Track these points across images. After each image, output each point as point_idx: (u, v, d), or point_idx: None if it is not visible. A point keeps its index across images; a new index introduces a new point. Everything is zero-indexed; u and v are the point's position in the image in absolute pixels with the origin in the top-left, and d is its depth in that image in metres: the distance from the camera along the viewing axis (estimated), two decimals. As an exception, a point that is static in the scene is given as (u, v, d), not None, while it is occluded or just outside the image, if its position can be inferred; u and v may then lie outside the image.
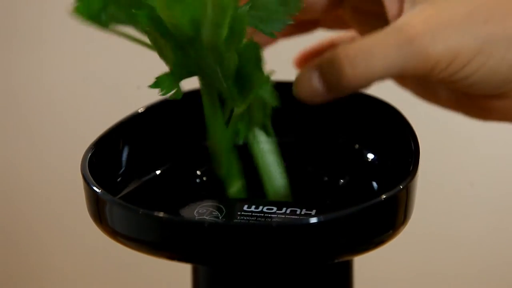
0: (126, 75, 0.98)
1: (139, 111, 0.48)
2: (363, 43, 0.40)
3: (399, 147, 0.44)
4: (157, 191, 0.45)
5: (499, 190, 1.00)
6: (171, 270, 0.89)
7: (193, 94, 0.50)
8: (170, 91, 0.40)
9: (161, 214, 0.36)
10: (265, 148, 0.44)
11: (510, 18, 0.40)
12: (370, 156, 0.46)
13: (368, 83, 0.41)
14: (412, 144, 0.43)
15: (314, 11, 0.48)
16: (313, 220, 0.36)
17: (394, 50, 0.40)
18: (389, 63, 0.40)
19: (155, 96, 0.49)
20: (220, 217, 0.41)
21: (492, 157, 0.99)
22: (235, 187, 0.44)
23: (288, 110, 0.48)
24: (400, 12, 0.43)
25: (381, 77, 0.40)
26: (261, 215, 0.41)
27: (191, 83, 0.53)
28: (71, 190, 0.93)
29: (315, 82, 0.41)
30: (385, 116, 0.47)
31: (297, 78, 0.42)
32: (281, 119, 0.48)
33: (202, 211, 0.42)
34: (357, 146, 0.46)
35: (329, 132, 0.48)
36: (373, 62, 0.40)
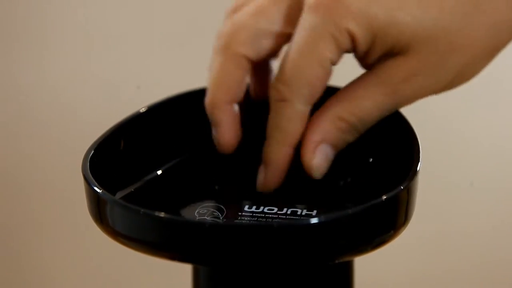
0: (126, 75, 0.98)
1: (140, 111, 0.48)
2: (357, 106, 0.44)
3: (400, 147, 0.44)
4: (157, 191, 0.45)
5: (499, 189, 1.00)
6: (171, 271, 0.89)
7: (194, 95, 0.50)
8: None
9: (162, 214, 0.36)
10: None
11: None
12: (371, 156, 0.46)
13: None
14: (413, 145, 0.43)
15: None
16: (314, 220, 0.36)
17: (384, 105, 0.44)
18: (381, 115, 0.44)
19: (155, 96, 0.49)
20: (221, 218, 0.41)
21: (492, 157, 0.99)
22: None
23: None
24: None
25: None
26: (262, 216, 0.41)
27: (190, 83, 0.53)
28: (72, 190, 0.93)
29: (331, 154, 0.45)
30: (386, 116, 0.47)
31: (313, 161, 0.44)
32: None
33: (203, 211, 0.42)
34: (357, 147, 0.46)
35: None
36: (371, 119, 0.44)
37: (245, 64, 0.45)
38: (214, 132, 0.46)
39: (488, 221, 1.01)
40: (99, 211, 0.39)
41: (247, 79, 0.47)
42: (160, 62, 0.95)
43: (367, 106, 0.44)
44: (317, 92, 0.43)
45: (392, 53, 0.43)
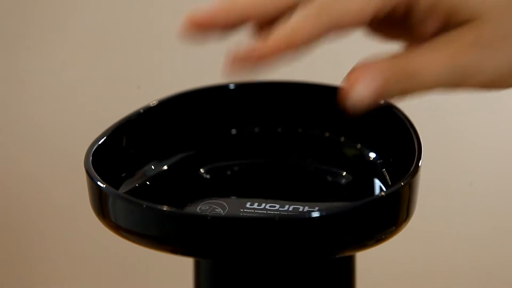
0: (126, 75, 0.98)
1: (142, 109, 0.48)
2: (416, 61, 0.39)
3: (401, 145, 0.44)
4: (159, 188, 0.45)
5: (499, 189, 1.00)
6: (173, 265, 0.89)
7: (197, 93, 0.51)
8: None
9: (164, 208, 0.36)
10: None
11: None
12: (373, 154, 0.46)
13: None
14: (414, 142, 0.43)
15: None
16: (315, 214, 0.36)
17: (444, 73, 0.39)
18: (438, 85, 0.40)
19: (155, 96, 0.50)
20: (223, 214, 0.41)
21: (492, 157, 0.99)
22: None
23: (289, 110, 0.48)
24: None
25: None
26: (263, 212, 0.41)
27: (191, 83, 0.53)
28: (72, 190, 0.93)
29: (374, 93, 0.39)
30: (387, 115, 0.47)
31: (356, 87, 0.39)
32: (282, 119, 0.48)
33: (205, 208, 0.42)
34: (359, 145, 0.46)
35: (332, 131, 0.48)
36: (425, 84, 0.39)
37: None
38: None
39: (487, 221, 1.01)
40: (102, 206, 0.39)
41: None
42: (160, 62, 0.95)
43: (428, 66, 0.39)
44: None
45: (455, 22, 0.39)
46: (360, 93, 0.38)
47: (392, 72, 0.39)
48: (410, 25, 0.41)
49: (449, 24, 0.40)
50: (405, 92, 0.39)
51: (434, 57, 0.39)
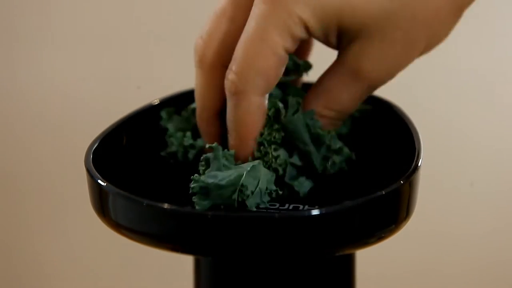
0: (126, 75, 0.98)
1: (143, 107, 0.48)
2: (323, 94, 0.44)
3: (401, 144, 0.44)
4: (160, 186, 0.45)
5: (499, 189, 1.00)
6: (173, 264, 0.89)
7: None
8: None
9: (165, 205, 0.36)
10: None
11: None
12: (373, 153, 0.46)
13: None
14: (414, 141, 0.43)
15: None
16: (315, 212, 0.36)
17: (356, 91, 0.44)
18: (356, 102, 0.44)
19: (155, 96, 0.50)
20: (223, 212, 0.41)
21: (492, 157, 0.99)
22: None
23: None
24: None
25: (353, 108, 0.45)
26: (263, 210, 0.41)
27: (191, 83, 0.53)
28: (72, 190, 0.93)
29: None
30: (387, 114, 0.47)
31: None
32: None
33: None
34: (359, 144, 0.46)
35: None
36: (342, 106, 0.44)
37: (221, 71, 0.44)
38: (204, 143, 0.46)
39: (488, 221, 1.01)
40: (102, 204, 0.39)
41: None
42: (160, 62, 0.95)
43: (344, 98, 0.43)
44: (272, 81, 0.42)
45: (353, 36, 0.42)
46: None
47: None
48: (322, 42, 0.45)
49: (349, 38, 0.43)
50: (340, 118, 0.44)
51: (350, 82, 0.43)
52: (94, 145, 0.43)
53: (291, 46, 0.42)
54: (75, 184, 0.76)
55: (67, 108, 0.99)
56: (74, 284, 1.05)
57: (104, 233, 0.47)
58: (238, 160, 0.43)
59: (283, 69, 0.43)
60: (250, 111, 0.42)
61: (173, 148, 0.47)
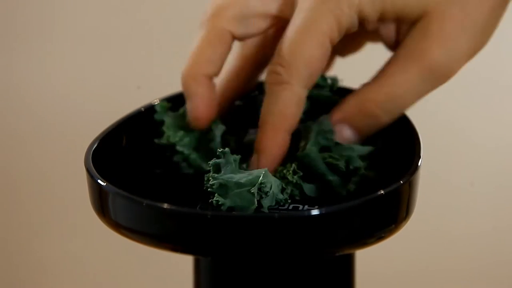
0: (126, 75, 0.98)
1: (143, 107, 0.48)
2: (389, 86, 0.42)
3: (401, 143, 0.44)
4: (160, 186, 0.45)
5: (499, 190, 1.00)
6: (173, 264, 0.89)
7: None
8: None
9: (165, 205, 0.36)
10: None
11: None
12: (373, 153, 0.46)
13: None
14: (414, 141, 0.43)
15: None
16: (315, 212, 0.36)
17: (420, 84, 0.42)
18: (419, 96, 0.43)
19: (155, 96, 0.50)
20: (223, 212, 0.41)
21: (493, 157, 0.99)
22: None
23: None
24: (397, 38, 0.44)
25: (412, 105, 0.43)
26: (264, 211, 0.41)
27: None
28: (72, 190, 0.93)
29: (348, 134, 0.44)
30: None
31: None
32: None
33: (204, 205, 0.42)
34: (358, 143, 0.46)
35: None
36: (406, 102, 0.43)
37: (228, 39, 0.44)
38: (188, 105, 0.44)
39: (488, 221, 1.01)
40: (102, 204, 0.39)
41: (228, 56, 0.45)
42: (160, 62, 0.95)
43: (400, 87, 0.42)
44: (316, 73, 0.42)
45: (412, 19, 0.41)
46: (351, 139, 0.44)
47: (373, 105, 0.43)
48: (370, 35, 0.44)
49: (403, 24, 0.42)
50: (393, 115, 0.43)
51: (405, 75, 0.42)
52: (94, 145, 0.43)
53: (337, 36, 0.41)
54: (75, 184, 0.76)
55: (67, 108, 0.99)
56: (73, 284, 1.05)
57: (104, 233, 0.47)
58: (263, 153, 0.42)
59: (325, 63, 0.42)
60: (292, 103, 0.42)
61: (164, 140, 0.46)
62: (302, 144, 0.44)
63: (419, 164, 0.41)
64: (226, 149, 0.41)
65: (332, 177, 0.43)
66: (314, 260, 0.42)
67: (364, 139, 0.45)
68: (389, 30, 0.43)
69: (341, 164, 0.43)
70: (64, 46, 0.98)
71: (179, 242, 0.37)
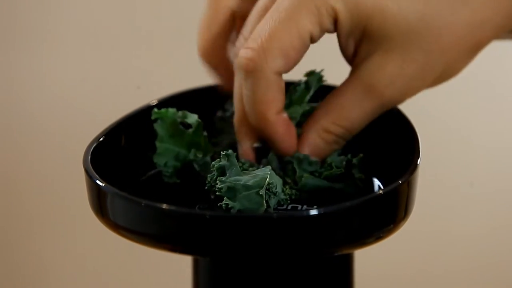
0: (126, 75, 0.98)
1: (142, 108, 0.48)
2: (333, 111, 0.44)
3: (400, 143, 0.44)
4: (158, 187, 0.45)
5: (499, 189, 1.00)
6: (172, 264, 0.89)
7: (197, 92, 0.51)
8: None
9: (163, 206, 0.36)
10: None
11: None
12: (372, 153, 0.46)
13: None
14: (413, 140, 0.43)
15: None
16: (313, 212, 0.36)
17: (361, 106, 0.43)
18: (364, 117, 0.44)
19: (155, 96, 0.50)
20: (222, 212, 0.41)
21: (492, 157, 0.99)
22: None
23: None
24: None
25: (363, 125, 0.45)
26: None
27: (190, 83, 0.53)
28: (72, 190, 0.93)
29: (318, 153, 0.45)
30: (386, 114, 0.47)
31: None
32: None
33: (203, 206, 0.42)
34: (358, 144, 0.46)
35: None
36: (352, 124, 0.44)
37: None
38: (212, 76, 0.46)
39: (488, 221, 1.01)
40: (100, 204, 0.39)
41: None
42: (160, 62, 0.95)
43: (354, 115, 0.43)
44: (291, 64, 0.42)
45: (374, 45, 0.42)
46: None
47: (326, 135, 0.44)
48: (339, 43, 0.44)
49: (369, 46, 0.43)
50: (346, 137, 0.44)
51: (363, 99, 0.43)
52: (92, 145, 0.43)
53: (316, 35, 0.42)
54: (74, 184, 0.76)
55: (66, 108, 0.99)
56: (73, 284, 1.05)
57: (103, 234, 0.47)
58: (280, 143, 0.43)
59: (301, 57, 0.42)
60: (270, 88, 0.42)
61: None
62: (290, 173, 0.45)
63: (418, 163, 0.41)
64: (230, 151, 0.41)
65: (339, 185, 0.43)
66: (313, 260, 0.42)
67: (363, 140, 0.46)
68: (351, 46, 0.44)
69: (337, 169, 0.43)
70: (63, 46, 0.98)
71: (178, 243, 0.37)
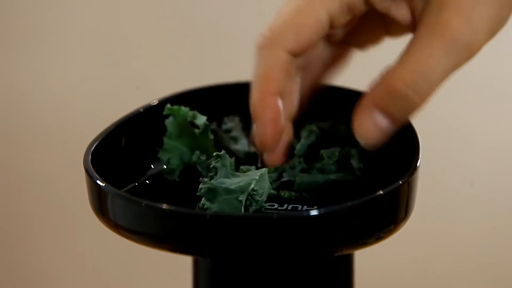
0: (126, 75, 0.98)
1: (142, 108, 0.48)
2: (415, 63, 0.40)
3: (400, 144, 0.44)
4: (159, 187, 0.45)
5: (499, 189, 1.00)
6: (172, 264, 0.89)
7: (197, 92, 0.51)
8: None
9: (164, 206, 0.36)
10: None
11: None
12: (371, 153, 0.46)
13: (433, 95, 0.41)
14: (413, 141, 0.43)
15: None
16: (314, 212, 0.36)
17: (446, 58, 0.40)
18: (447, 70, 0.40)
19: (155, 96, 0.50)
20: (222, 212, 0.41)
21: (492, 157, 0.99)
22: None
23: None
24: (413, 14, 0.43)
25: (442, 84, 0.41)
26: (262, 211, 0.41)
27: (190, 83, 0.53)
28: (72, 189, 0.93)
29: (381, 121, 0.41)
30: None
31: (360, 126, 0.41)
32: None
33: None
34: (358, 144, 0.46)
35: (330, 130, 0.48)
36: (434, 78, 0.40)
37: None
38: (254, 128, 0.43)
39: (488, 222, 1.01)
40: (101, 204, 0.39)
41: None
42: (160, 62, 0.95)
43: (425, 64, 0.40)
44: (305, 42, 0.41)
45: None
46: (368, 133, 0.41)
47: (402, 87, 0.40)
48: (385, 20, 0.43)
49: (415, 1, 0.41)
50: (424, 95, 0.40)
51: (428, 50, 0.40)
52: (93, 146, 0.43)
53: (337, 13, 0.40)
54: (74, 184, 0.76)
55: (66, 108, 0.99)
56: (73, 284, 1.05)
57: (103, 234, 0.47)
58: (258, 119, 0.42)
59: (318, 37, 0.41)
60: (275, 67, 0.41)
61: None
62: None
63: (418, 164, 0.41)
64: (222, 151, 0.41)
65: (336, 175, 0.43)
66: (313, 261, 0.42)
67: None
68: (402, 9, 0.42)
69: (328, 159, 0.43)
70: (63, 46, 0.98)
71: (178, 243, 0.37)
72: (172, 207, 0.36)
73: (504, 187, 1.00)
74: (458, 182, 1.00)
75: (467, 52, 0.40)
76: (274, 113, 0.42)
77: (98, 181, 0.39)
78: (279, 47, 0.41)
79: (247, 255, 0.37)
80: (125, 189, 0.44)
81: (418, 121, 0.45)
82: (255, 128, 0.43)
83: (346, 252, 0.42)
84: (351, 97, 0.44)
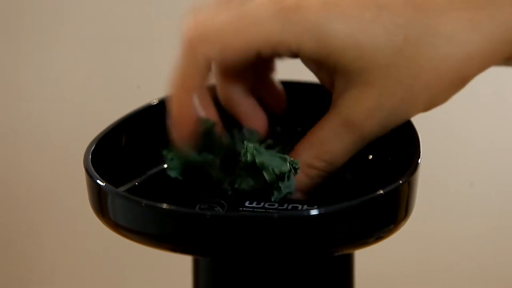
0: (126, 75, 0.98)
1: (142, 107, 0.48)
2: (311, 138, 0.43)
3: (400, 143, 0.44)
4: (159, 187, 0.45)
5: (499, 190, 1.00)
6: (172, 264, 0.89)
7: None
8: None
9: (164, 205, 0.36)
10: None
11: None
12: (371, 153, 0.46)
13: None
14: (413, 140, 0.43)
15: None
16: (314, 212, 0.36)
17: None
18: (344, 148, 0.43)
19: (155, 96, 0.50)
20: (222, 212, 0.41)
21: (492, 157, 0.99)
22: None
23: (289, 110, 0.49)
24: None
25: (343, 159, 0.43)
26: (262, 211, 0.41)
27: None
28: (72, 189, 0.93)
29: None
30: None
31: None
32: (282, 118, 0.48)
33: (204, 206, 0.42)
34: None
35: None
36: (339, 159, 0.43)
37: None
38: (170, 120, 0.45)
39: (487, 222, 1.01)
40: (101, 204, 0.39)
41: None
42: (160, 62, 0.95)
43: (335, 149, 0.42)
44: (230, 52, 0.41)
45: (351, 80, 0.41)
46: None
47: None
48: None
49: (345, 79, 0.41)
50: (328, 174, 0.43)
51: (343, 133, 0.42)
52: (93, 145, 0.43)
53: (265, 53, 0.40)
54: (74, 184, 0.76)
55: (66, 107, 0.99)
56: (73, 284, 1.05)
57: (103, 234, 0.47)
58: (171, 114, 0.43)
59: (243, 61, 0.41)
60: (193, 70, 0.42)
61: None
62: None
63: (418, 164, 0.41)
64: (245, 142, 0.42)
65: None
66: (314, 260, 0.42)
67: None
68: (326, 78, 0.43)
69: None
70: (64, 46, 0.98)
71: (178, 242, 0.37)
72: (172, 207, 0.36)
73: (504, 187, 1.00)
74: (458, 182, 1.00)
75: (363, 139, 0.42)
76: (188, 110, 0.44)
77: (98, 181, 0.39)
78: (201, 52, 0.42)
79: (247, 255, 0.37)
80: (125, 188, 0.44)
81: (419, 121, 0.45)
82: (170, 120, 0.45)
83: (346, 251, 0.42)
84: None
